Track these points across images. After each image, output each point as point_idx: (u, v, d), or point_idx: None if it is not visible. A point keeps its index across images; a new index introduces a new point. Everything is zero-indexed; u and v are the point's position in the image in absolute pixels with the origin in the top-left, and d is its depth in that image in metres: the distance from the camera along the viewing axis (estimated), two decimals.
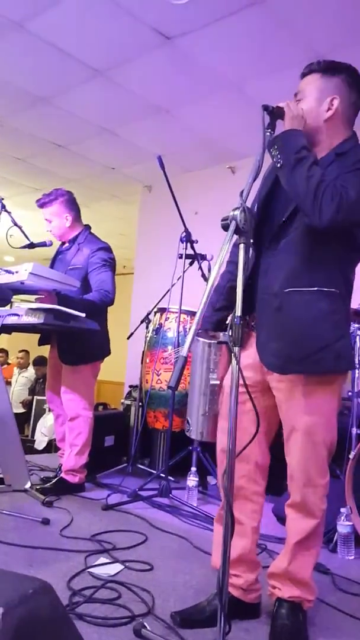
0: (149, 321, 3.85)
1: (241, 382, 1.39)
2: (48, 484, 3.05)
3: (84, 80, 3.85)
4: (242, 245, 1.42)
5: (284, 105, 1.64)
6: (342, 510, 2.42)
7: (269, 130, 1.60)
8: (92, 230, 3.32)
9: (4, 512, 2.56)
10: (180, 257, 3.35)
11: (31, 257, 4.08)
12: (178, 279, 3.31)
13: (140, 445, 3.82)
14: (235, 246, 1.60)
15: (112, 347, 3.28)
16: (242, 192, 1.47)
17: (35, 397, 6.59)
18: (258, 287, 1.70)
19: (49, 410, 4.51)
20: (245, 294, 1.43)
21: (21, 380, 7.83)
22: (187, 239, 3.35)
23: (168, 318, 3.70)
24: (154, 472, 3.50)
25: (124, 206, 6.68)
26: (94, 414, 3.20)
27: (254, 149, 1.73)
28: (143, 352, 3.84)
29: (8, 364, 8.55)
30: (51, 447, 4.87)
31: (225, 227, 1.41)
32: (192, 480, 3.15)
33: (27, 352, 7.97)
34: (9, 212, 3.06)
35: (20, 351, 8.05)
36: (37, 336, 3.37)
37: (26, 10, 3.14)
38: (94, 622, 1.63)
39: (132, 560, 2.16)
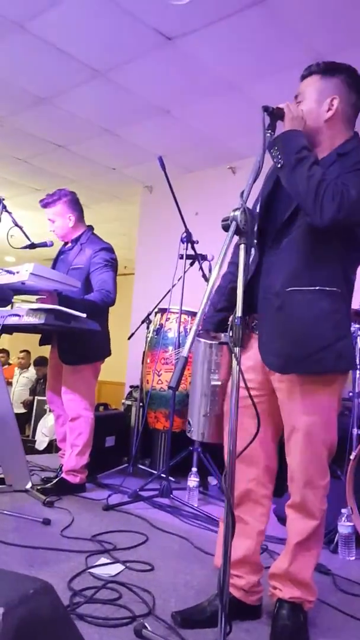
0: (150, 322, 3.85)
1: (242, 384, 1.39)
2: (49, 485, 3.06)
3: (84, 80, 3.85)
4: (242, 246, 1.42)
5: (284, 106, 1.64)
6: (343, 510, 2.42)
7: (270, 131, 1.59)
8: (93, 231, 3.33)
9: (5, 512, 2.56)
10: (181, 258, 3.34)
11: (32, 258, 4.09)
12: (179, 280, 3.31)
13: (141, 446, 3.83)
14: (237, 247, 1.60)
15: (112, 348, 3.27)
16: (242, 193, 1.46)
17: (36, 397, 6.60)
18: (260, 287, 1.70)
19: (50, 411, 4.53)
20: (246, 295, 1.43)
21: (22, 380, 7.83)
22: (188, 239, 3.35)
23: (169, 318, 3.70)
24: (155, 472, 3.50)
25: (124, 206, 6.68)
26: (95, 415, 3.20)
27: (254, 149, 1.73)
28: (144, 352, 3.84)
29: (9, 364, 8.55)
30: (52, 447, 4.87)
31: (226, 228, 1.41)
32: (192, 480, 3.15)
33: (28, 352, 7.97)
34: (9, 213, 3.07)
35: (21, 351, 8.05)
36: (38, 336, 3.37)
37: (26, 11, 3.14)
38: (95, 623, 1.63)
39: (133, 560, 2.16)
